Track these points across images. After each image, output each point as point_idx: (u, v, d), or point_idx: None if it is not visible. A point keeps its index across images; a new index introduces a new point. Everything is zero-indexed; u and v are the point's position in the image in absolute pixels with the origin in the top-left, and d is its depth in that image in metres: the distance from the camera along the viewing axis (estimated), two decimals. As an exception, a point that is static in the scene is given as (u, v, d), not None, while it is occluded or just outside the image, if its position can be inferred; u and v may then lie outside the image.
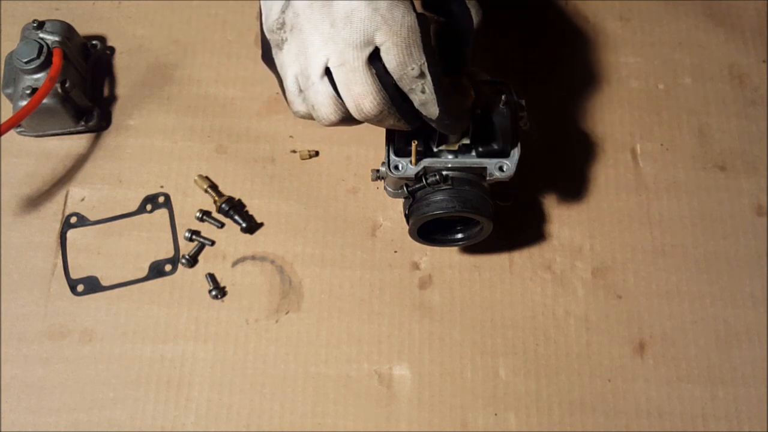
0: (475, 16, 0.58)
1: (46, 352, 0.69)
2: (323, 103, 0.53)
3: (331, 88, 0.52)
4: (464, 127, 0.60)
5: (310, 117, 0.56)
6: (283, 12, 0.53)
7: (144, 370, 0.69)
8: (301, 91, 0.54)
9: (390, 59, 0.51)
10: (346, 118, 0.55)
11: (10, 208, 0.74)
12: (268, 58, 0.56)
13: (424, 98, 0.53)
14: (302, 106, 0.55)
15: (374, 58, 0.51)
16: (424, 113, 0.55)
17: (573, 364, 0.69)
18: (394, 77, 0.52)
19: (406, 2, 0.51)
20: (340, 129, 0.77)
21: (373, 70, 0.52)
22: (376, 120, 0.54)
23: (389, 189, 0.68)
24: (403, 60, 0.51)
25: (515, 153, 0.62)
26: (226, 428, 0.67)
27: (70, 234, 0.74)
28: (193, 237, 0.73)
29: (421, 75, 0.52)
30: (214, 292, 0.71)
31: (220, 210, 0.73)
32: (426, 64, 0.52)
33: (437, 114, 0.54)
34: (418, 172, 0.62)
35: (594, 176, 0.76)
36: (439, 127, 0.57)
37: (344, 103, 0.53)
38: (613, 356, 0.70)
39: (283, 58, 0.54)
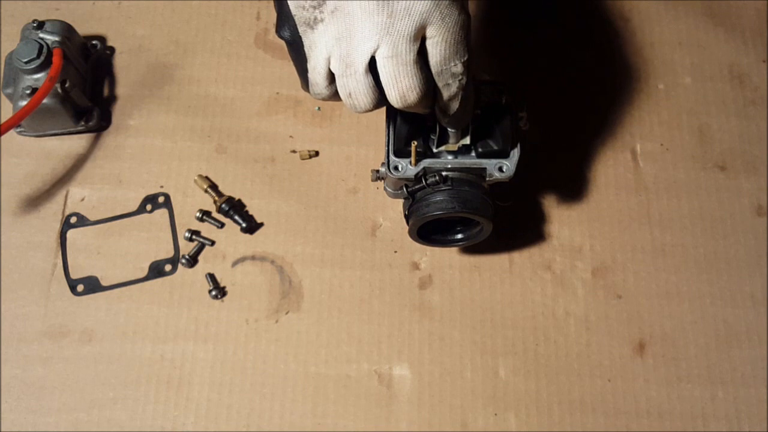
0: None
1: (46, 352, 0.69)
2: (363, 93, 0.51)
3: (372, 78, 0.51)
4: (466, 123, 0.60)
5: (330, 99, 0.54)
6: None
7: (144, 370, 0.69)
8: (331, 75, 0.52)
9: (436, 53, 0.51)
10: (377, 106, 0.53)
11: (10, 208, 0.74)
12: (286, 33, 0.53)
13: (453, 93, 0.53)
14: (327, 90, 0.53)
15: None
16: (441, 105, 0.55)
17: (573, 364, 0.69)
18: (434, 70, 0.52)
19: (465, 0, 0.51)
20: (339, 129, 0.77)
21: (421, 64, 0.51)
22: (407, 108, 0.53)
23: (389, 189, 0.68)
24: (450, 56, 0.51)
25: (515, 153, 0.62)
26: (226, 428, 0.67)
27: (70, 234, 0.74)
28: (193, 237, 0.73)
29: (462, 72, 0.52)
30: (214, 292, 0.71)
31: (220, 210, 0.73)
32: (468, 60, 0.52)
33: (455, 109, 0.55)
34: (417, 173, 0.62)
35: (594, 176, 0.76)
36: (447, 121, 0.57)
37: (383, 92, 0.51)
38: (613, 356, 0.70)
39: (316, 39, 0.51)
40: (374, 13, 0.48)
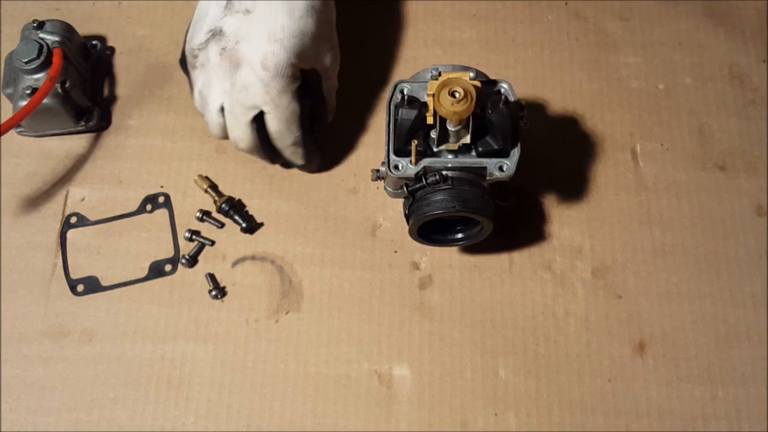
0: (329, 114, 0.74)
1: (46, 352, 0.69)
2: (213, 125, 0.69)
3: (222, 119, 0.68)
4: (315, 171, 0.75)
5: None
6: (201, 48, 0.65)
7: (144, 370, 0.69)
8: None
9: (271, 126, 0.67)
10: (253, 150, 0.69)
11: (10, 208, 0.74)
12: (183, 64, 0.71)
13: (291, 155, 0.70)
14: (199, 110, 0.70)
15: (259, 117, 0.66)
16: (286, 158, 0.71)
17: (573, 364, 0.69)
18: (271, 137, 0.68)
19: (295, 91, 0.65)
20: (339, 129, 0.77)
21: (254, 126, 0.67)
22: (248, 153, 0.70)
23: (389, 189, 0.68)
24: (283, 131, 0.67)
25: (515, 153, 0.62)
26: (226, 428, 0.67)
27: (70, 234, 0.74)
28: (193, 237, 0.73)
29: (294, 143, 0.69)
30: (214, 292, 0.71)
31: (220, 210, 0.73)
32: (300, 137, 0.68)
33: (299, 164, 0.72)
34: (418, 172, 0.62)
35: (594, 176, 0.76)
36: (299, 167, 0.73)
37: (261, 140, 0.68)
38: (613, 356, 0.70)
39: (194, 77, 0.68)
40: (222, 79, 0.65)
